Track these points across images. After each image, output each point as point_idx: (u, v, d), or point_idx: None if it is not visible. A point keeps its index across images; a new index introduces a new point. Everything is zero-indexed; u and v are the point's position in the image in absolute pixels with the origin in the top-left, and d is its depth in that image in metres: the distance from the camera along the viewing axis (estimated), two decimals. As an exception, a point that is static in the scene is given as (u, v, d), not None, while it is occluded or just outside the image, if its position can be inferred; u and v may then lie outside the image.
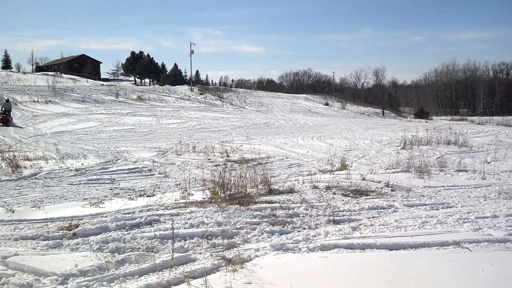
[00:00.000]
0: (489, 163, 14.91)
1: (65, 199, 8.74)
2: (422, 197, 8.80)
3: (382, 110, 62.18)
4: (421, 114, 61.67)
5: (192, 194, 8.20)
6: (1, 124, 26.03)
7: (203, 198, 7.85)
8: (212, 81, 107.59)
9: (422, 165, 12.08)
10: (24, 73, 69.62)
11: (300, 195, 8.35)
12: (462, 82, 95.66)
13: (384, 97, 76.27)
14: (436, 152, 17.61)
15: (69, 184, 10.34)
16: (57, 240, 5.57)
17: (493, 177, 11.46)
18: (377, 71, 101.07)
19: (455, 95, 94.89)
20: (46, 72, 72.84)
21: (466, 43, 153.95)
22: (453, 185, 10.18)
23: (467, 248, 5.29)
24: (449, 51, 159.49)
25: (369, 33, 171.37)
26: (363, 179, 10.21)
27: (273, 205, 7.39)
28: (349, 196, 8.56)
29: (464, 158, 15.88)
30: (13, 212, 6.98)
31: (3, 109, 27.72)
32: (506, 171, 12.83)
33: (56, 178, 10.98)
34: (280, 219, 6.65)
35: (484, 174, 11.67)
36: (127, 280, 4.39)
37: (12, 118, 27.59)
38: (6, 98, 30.29)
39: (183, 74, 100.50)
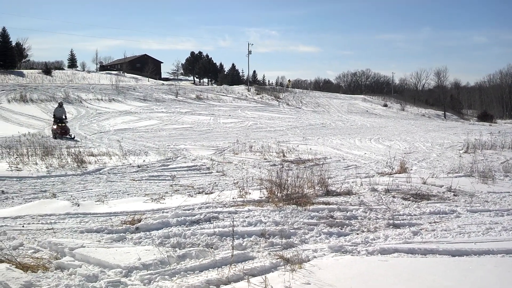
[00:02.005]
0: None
1: (128, 194, 9.05)
2: (486, 202, 8.47)
3: (443, 112, 60.28)
4: (485, 117, 59.32)
5: (250, 193, 8.27)
6: (58, 136, 20.54)
7: (260, 197, 7.90)
8: (268, 81, 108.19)
9: (486, 169, 11.62)
10: (88, 71, 72.63)
11: (358, 197, 8.24)
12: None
13: (446, 99, 74.05)
14: (501, 157, 16.88)
15: (131, 179, 10.70)
16: (121, 234, 5.78)
17: None
18: (438, 72, 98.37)
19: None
20: (109, 71, 75.69)
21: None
22: (519, 191, 9.73)
23: (535, 256, 5.06)
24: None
25: (429, 33, 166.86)
26: (424, 183, 9.94)
27: (331, 206, 7.34)
28: (409, 200, 8.36)
29: (532, 164, 15.13)
30: (78, 205, 7.30)
31: (54, 116, 22.11)
32: None
33: (119, 173, 11.38)
34: (338, 220, 6.60)
35: (555, 181, 11.08)
36: (188, 275, 4.49)
37: (69, 129, 21.83)
38: (60, 102, 23.89)
39: (240, 74, 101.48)
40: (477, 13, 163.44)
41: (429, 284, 4.19)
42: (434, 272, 4.53)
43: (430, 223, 6.75)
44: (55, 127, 21.19)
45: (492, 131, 31.72)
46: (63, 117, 21.88)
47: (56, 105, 24.41)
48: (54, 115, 22.17)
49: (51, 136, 20.96)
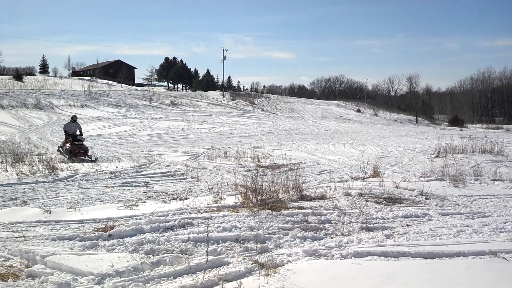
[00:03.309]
0: (527, 173, 14.50)
1: (100, 201, 8.93)
2: (457, 206, 8.64)
3: (415, 117, 61.27)
4: (456, 121, 60.48)
5: (224, 199, 8.26)
6: (73, 156, 16.10)
7: (235, 203, 7.89)
8: (243, 86, 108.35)
9: (457, 173, 11.84)
10: (60, 77, 71.53)
11: (332, 202, 8.31)
12: (498, 90, 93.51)
13: (418, 104, 75.29)
14: (471, 161, 17.24)
15: (104, 186, 10.56)
16: (93, 241, 5.70)
17: (532, 187, 11.16)
18: (410, 78, 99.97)
19: (490, 103, 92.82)
20: (82, 77, 74.71)
21: (503, 50, 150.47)
22: (489, 194, 9.96)
23: (504, 258, 5.17)
24: (485, 58, 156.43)
25: (402, 40, 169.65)
26: (397, 187, 10.08)
27: (305, 211, 7.38)
28: (382, 204, 8.47)
29: (500, 167, 15.49)
30: (50, 213, 7.19)
31: (66, 133, 17.60)
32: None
33: (91, 180, 11.22)
34: (312, 225, 6.64)
35: (522, 184, 11.37)
36: (162, 282, 4.46)
37: (88, 148, 17.13)
38: (73, 116, 18.50)
39: (215, 79, 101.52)
40: (449, 20, 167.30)
41: (401, 287, 4.24)
42: (407, 275, 4.59)
43: (402, 226, 6.84)
44: (68, 145, 16.68)
45: (463, 136, 32.34)
46: (78, 133, 17.50)
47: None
48: (65, 131, 17.70)
49: (64, 155, 16.45)
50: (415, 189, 9.85)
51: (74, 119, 18.20)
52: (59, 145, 18.38)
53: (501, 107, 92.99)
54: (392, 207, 8.23)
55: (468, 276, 4.56)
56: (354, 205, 8.17)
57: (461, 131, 45.16)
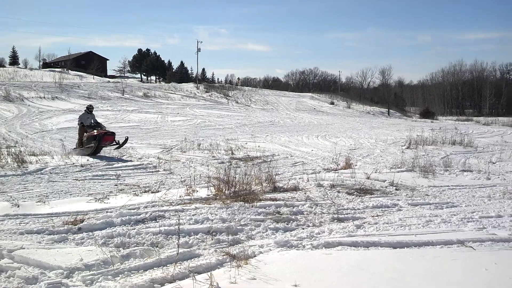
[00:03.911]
0: (494, 163, 14.86)
1: (70, 194, 8.79)
2: (426, 196, 8.81)
3: (387, 110, 62.00)
4: (427, 114, 61.42)
5: (197, 191, 8.22)
6: (101, 143, 14.41)
7: (208, 195, 7.87)
8: (218, 79, 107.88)
9: (427, 164, 12.07)
10: (31, 69, 69.92)
11: (305, 193, 8.37)
12: (468, 83, 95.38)
13: (390, 97, 76.10)
14: (441, 152, 17.56)
15: (74, 179, 10.39)
16: (63, 235, 5.62)
17: (498, 177, 11.45)
18: (383, 71, 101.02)
19: (461, 95, 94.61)
20: (53, 69, 73.08)
21: (474, 44, 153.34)
22: (458, 185, 10.18)
23: (471, 247, 5.29)
24: (456, 51, 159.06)
25: (375, 33, 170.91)
26: (368, 178, 10.22)
27: (278, 202, 7.41)
28: (354, 195, 8.58)
29: (469, 158, 15.82)
30: (18, 206, 7.04)
31: (83, 125, 15.34)
32: (511, 172, 12.80)
33: (61, 173, 11.03)
34: (284, 216, 6.67)
35: (489, 175, 11.66)
36: (132, 275, 4.42)
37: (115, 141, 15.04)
38: (88, 106, 16.34)
39: (189, 71, 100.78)
40: (422, 14, 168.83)
41: (371, 276, 4.29)
42: (377, 264, 4.66)
43: (373, 216, 6.94)
44: (91, 132, 14.50)
45: (433, 128, 32.92)
46: (93, 123, 15.40)
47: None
48: (81, 123, 15.29)
49: (85, 151, 14.38)
50: (386, 180, 10.01)
51: (90, 109, 15.92)
52: (75, 145, 15.57)
53: (471, 100, 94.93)
54: (363, 198, 8.34)
55: (436, 265, 4.65)
56: (326, 196, 8.24)
57: (432, 123, 45.98)
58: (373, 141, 22.44)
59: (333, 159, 14.36)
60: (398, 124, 38.82)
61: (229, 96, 51.80)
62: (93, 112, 16.28)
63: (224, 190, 8.00)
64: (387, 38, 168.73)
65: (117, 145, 15.09)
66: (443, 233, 5.93)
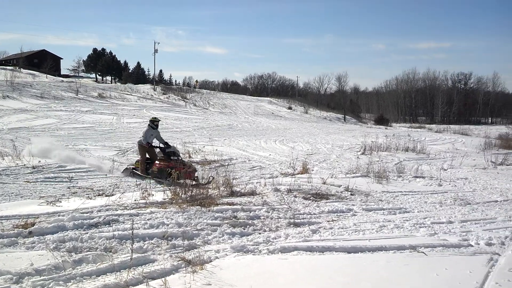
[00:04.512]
0: (445, 170, 15.34)
1: (21, 197, 8.52)
2: (380, 201, 9.00)
3: (343, 116, 63.10)
4: (381, 120, 62.88)
5: (153, 195, 8.11)
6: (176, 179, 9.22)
7: (164, 199, 7.78)
8: (175, 81, 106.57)
9: (381, 170, 12.32)
10: (-20, 66, 67.16)
11: (262, 198, 8.39)
12: (421, 91, 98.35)
13: (346, 103, 77.58)
14: (395, 158, 18.00)
15: (25, 181, 10.06)
16: (12, 239, 5.41)
17: (449, 184, 11.82)
18: (339, 77, 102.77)
19: (414, 103, 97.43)
20: (4, 67, 70.41)
21: (427, 52, 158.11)
22: (410, 191, 10.45)
23: (423, 252, 5.43)
24: (410, 59, 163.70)
25: (332, 39, 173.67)
26: (324, 183, 10.35)
27: (235, 207, 7.39)
28: (310, 200, 8.66)
29: (421, 165, 16.25)
30: (-35, 209, 6.74)
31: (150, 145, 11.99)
32: (462, 179, 13.24)
33: (12, 175, 10.64)
34: (241, 221, 6.66)
35: (440, 181, 12.01)
36: (84, 280, 4.31)
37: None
38: (153, 119, 12.57)
39: (146, 73, 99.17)
40: (377, 22, 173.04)
41: (325, 281, 4.34)
42: (331, 269, 4.72)
43: (328, 221, 7.02)
44: (163, 164, 11.46)
45: (388, 134, 33.69)
46: (162, 145, 12.14)
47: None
48: (148, 143, 11.83)
49: (145, 176, 11.25)
50: (341, 185, 10.16)
51: (155, 123, 12.28)
52: (130, 166, 12.57)
53: (424, 107, 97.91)
54: (319, 202, 8.44)
55: (389, 270, 4.75)
56: (283, 201, 8.29)
57: (386, 129, 47.07)
58: (329, 147, 22.76)
59: (290, 163, 14.45)
60: (354, 130, 39.55)
61: (187, 99, 51.45)
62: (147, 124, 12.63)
63: (180, 194, 7.91)
64: (344, 45, 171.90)
65: (196, 184, 10.47)
66: (396, 238, 6.05)
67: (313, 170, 13.60)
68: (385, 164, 15.29)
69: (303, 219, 7.10)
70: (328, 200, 8.73)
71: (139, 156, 12.40)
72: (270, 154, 18.31)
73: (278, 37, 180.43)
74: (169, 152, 11.81)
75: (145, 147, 11.87)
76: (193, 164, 12.41)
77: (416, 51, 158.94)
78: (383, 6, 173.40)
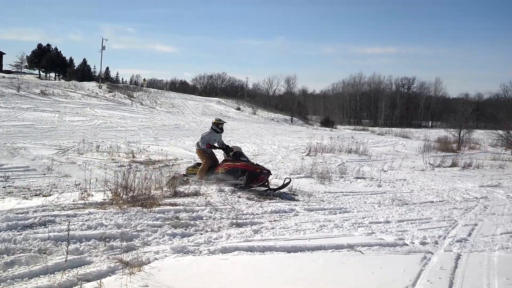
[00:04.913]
0: (385, 171, 15.86)
1: (-49, 198, 8.08)
2: (322, 202, 9.18)
3: (291, 117, 63.85)
4: (327, 122, 64.08)
5: (92, 195, 7.89)
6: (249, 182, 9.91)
7: (104, 200, 7.58)
8: (122, 79, 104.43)
9: (324, 171, 12.58)
10: None
11: (205, 198, 8.36)
12: (366, 94, 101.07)
13: (294, 105, 78.38)
14: (338, 160, 18.41)
15: (-44, 181, 9.57)
16: None
17: (388, 185, 12.23)
18: (288, 79, 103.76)
19: (359, 106, 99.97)
20: None
21: (372, 57, 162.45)
22: (351, 191, 10.73)
23: (360, 251, 5.57)
24: (357, 64, 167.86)
25: (283, 42, 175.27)
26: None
27: (177, 207, 7.32)
28: (254, 200, 8.73)
29: (363, 166, 16.74)
30: None
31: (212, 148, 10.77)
32: (401, 180, 13.74)
33: None
34: (183, 221, 6.60)
35: (380, 182, 12.40)
36: (15, 283, 4.14)
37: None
38: (217, 121, 11.32)
39: (92, 70, 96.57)
40: (326, 26, 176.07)
41: (264, 280, 4.38)
42: (271, 268, 4.76)
43: (270, 221, 7.09)
44: (237, 164, 10.14)
45: (332, 136, 34.34)
46: (225, 146, 10.93)
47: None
48: (207, 144, 10.65)
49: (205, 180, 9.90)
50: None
51: (220, 127, 11.07)
52: (181, 173, 11.02)
53: (368, 110, 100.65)
54: (262, 203, 8.51)
55: (327, 268, 4.85)
56: (227, 201, 8.29)
57: (331, 131, 48.03)
58: (275, 148, 22.97)
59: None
60: (300, 132, 40.11)
61: (134, 97, 50.56)
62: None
63: (121, 194, 7.75)
64: (295, 48, 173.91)
65: (267, 188, 10.12)
66: (335, 238, 6.19)
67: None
68: (329, 165, 15.62)
69: (245, 219, 7.13)
70: (271, 201, 8.82)
71: (202, 162, 10.63)
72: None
73: (229, 37, 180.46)
74: (235, 153, 10.52)
75: (205, 151, 10.54)
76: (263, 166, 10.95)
77: (363, 56, 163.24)
78: (333, 11, 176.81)
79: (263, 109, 67.41)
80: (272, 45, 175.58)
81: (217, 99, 68.21)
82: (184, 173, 10.93)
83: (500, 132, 28.03)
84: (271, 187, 10.17)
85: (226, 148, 10.79)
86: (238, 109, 60.59)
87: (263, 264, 4.93)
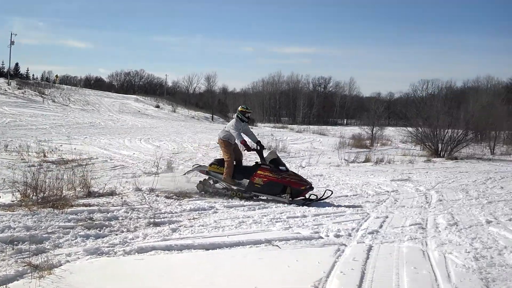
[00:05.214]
0: (303, 167, 16.26)
1: None
2: (241, 198, 9.21)
3: (211, 115, 63.80)
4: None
5: (0, 197, 7.45)
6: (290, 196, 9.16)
7: (12, 201, 7.17)
8: (33, 75, 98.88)
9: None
10: None
11: (122, 198, 8.14)
12: (285, 93, 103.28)
13: (214, 103, 78.43)
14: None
15: None
16: None
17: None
18: (208, 77, 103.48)
19: (278, 104, 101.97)
20: None
21: (291, 57, 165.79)
22: (270, 188, 10.84)
23: (277, 245, 5.65)
24: (276, 63, 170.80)
25: (202, 39, 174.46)
26: (188, 182, 10.32)
27: (91, 208, 7.06)
28: (172, 198, 8.62)
29: (282, 163, 17.02)
30: None
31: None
32: (318, 175, 14.15)
33: None
34: (97, 222, 6.37)
35: (298, 178, 12.66)
36: None
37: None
38: (244, 108, 10.23)
39: (0, 66, 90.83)
40: (245, 25, 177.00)
41: (181, 280, 4.32)
42: (188, 267, 4.72)
43: (189, 219, 7.02)
44: (268, 176, 9.36)
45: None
46: (255, 144, 10.02)
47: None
48: (242, 140, 9.74)
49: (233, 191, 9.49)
50: (205, 184, 10.21)
51: (247, 115, 10.05)
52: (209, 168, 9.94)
53: (287, 108, 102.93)
54: (181, 201, 8.43)
55: (245, 264, 4.87)
56: (144, 200, 8.12)
57: (252, 129, 48.33)
58: (196, 145, 22.83)
59: (154, 162, 14.21)
60: (221, 129, 40.08)
61: (45, 95, 48.23)
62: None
63: (31, 195, 7.35)
64: (213, 46, 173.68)
65: (303, 199, 9.42)
66: (253, 233, 6.23)
67: (178, 169, 13.54)
68: (248, 162, 15.73)
69: (163, 218, 7.02)
70: (191, 199, 8.75)
71: (225, 157, 9.61)
72: (134, 153, 17.85)
73: (147, 33, 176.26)
74: (273, 160, 9.65)
75: (229, 143, 9.56)
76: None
77: (281, 55, 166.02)
78: (252, 10, 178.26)
79: (183, 107, 66.87)
80: (191, 43, 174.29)
81: (135, 96, 66.76)
82: (207, 171, 9.88)
83: (410, 129, 29.55)
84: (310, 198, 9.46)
85: (261, 150, 9.71)
86: (157, 106, 59.63)
87: (180, 263, 4.87)
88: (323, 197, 9.40)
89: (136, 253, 5.15)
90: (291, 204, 8.88)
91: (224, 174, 9.42)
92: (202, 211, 7.68)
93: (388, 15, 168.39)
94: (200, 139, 26.89)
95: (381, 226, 7.06)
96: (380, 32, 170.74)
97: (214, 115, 64.43)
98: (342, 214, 8.00)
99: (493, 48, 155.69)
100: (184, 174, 9.92)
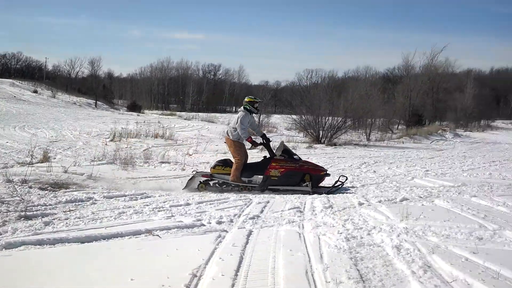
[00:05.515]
0: (190, 155, 16.23)
1: None
2: (123, 188, 9.00)
3: (95, 101, 61.15)
4: (134, 107, 62.85)
5: None
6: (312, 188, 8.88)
7: None
8: None
9: (128, 157, 12.35)
10: None
11: (-12, 190, 7.56)
12: (174, 79, 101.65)
13: (98, 88, 75.31)
14: (144, 145, 18.26)
15: None
16: None
17: (192, 168, 12.54)
18: (93, 61, 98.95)
19: (167, 91, 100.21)
20: None
21: (181, 43, 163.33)
22: (155, 176, 10.77)
23: (158, 235, 5.59)
24: (167, 48, 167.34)
25: (86, 21, 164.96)
26: (65, 172, 9.88)
27: (-48, 202, 6.49)
28: (47, 190, 8.19)
29: (169, 151, 16.87)
30: None
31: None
32: (204, 163, 14.22)
33: None
34: (-41, 218, 5.87)
35: (184, 166, 12.66)
36: None
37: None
38: (252, 98, 9.81)
39: None
40: (130, 7, 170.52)
41: (50, 276, 4.12)
42: (60, 261, 4.51)
43: (64, 212, 6.70)
44: (284, 166, 8.99)
45: (139, 121, 33.87)
46: (260, 138, 9.59)
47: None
48: (249, 138, 9.21)
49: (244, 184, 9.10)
50: (84, 173, 9.87)
51: (256, 105, 9.59)
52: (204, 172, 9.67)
53: (176, 95, 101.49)
54: (57, 192, 8.04)
55: (122, 256, 4.76)
56: (16, 192, 7.60)
57: (138, 116, 47.31)
58: (76, 133, 21.85)
59: (29, 152, 13.36)
60: (105, 116, 38.70)
61: None
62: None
63: None
64: (98, 29, 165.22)
65: (327, 187, 9.17)
66: (133, 224, 6.10)
67: (55, 158, 12.88)
68: (133, 150, 15.39)
69: (36, 211, 6.62)
70: (67, 190, 8.36)
71: (235, 159, 9.06)
72: (7, 142, 16.63)
73: (25, 15, 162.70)
74: (285, 150, 9.28)
75: (242, 144, 8.99)
76: None
77: (171, 41, 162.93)
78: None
79: (64, 92, 63.44)
80: (75, 25, 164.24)
81: (10, 80, 61.95)
82: (210, 174, 9.36)
83: (294, 116, 30.56)
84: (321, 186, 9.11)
85: (268, 142, 9.35)
86: (35, 91, 55.93)
87: (52, 258, 4.64)
88: (338, 185, 9.19)
89: (4, 249, 4.82)
90: (314, 193, 8.56)
91: (232, 175, 9.03)
92: (79, 203, 7.36)
93: (272, 2, 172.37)
94: (82, 127, 25.75)
95: (262, 211, 7.24)
96: (266, 19, 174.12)
97: (98, 101, 61.76)
98: (226, 201, 8.10)
99: (373, 41, 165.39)
100: (185, 188, 9.26)
